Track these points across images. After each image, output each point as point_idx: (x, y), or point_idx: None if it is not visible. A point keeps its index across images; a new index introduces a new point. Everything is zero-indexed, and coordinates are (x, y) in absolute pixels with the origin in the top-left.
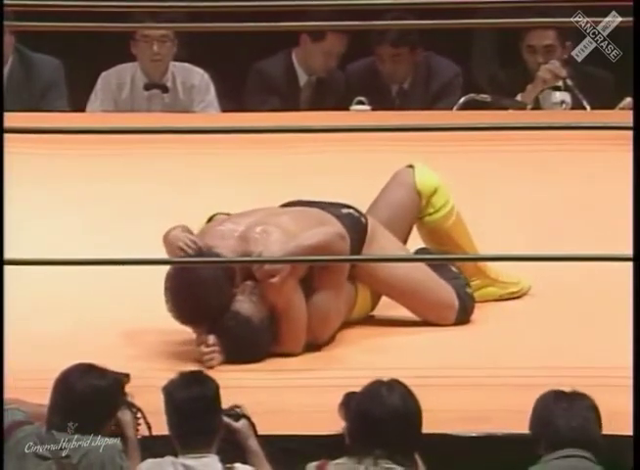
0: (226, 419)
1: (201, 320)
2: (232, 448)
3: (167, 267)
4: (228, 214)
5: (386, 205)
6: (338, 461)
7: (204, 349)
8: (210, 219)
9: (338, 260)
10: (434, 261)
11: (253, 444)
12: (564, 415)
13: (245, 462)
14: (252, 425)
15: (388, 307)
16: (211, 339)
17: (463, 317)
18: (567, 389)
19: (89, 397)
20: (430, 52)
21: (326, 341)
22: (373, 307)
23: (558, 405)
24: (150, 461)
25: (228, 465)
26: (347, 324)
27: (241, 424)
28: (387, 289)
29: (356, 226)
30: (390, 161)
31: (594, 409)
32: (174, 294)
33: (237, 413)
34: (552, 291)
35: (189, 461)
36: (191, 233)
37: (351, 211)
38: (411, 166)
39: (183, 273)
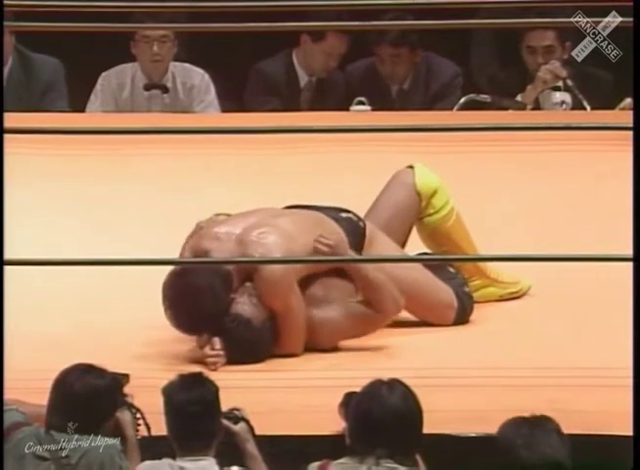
0: (225, 422)
1: (199, 330)
2: (230, 451)
3: (168, 267)
4: (228, 215)
5: (386, 205)
6: (339, 461)
7: (208, 351)
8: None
9: (338, 261)
10: (434, 262)
11: (251, 447)
12: (526, 444)
13: (242, 465)
14: (251, 428)
15: None
16: (217, 342)
17: (462, 317)
18: (527, 414)
19: (87, 397)
20: (430, 52)
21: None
22: None
23: (519, 432)
24: (147, 463)
25: (225, 468)
26: None
27: (239, 427)
28: None
29: (355, 230)
30: (390, 161)
31: (557, 432)
32: (172, 305)
33: (236, 416)
34: (552, 291)
35: (186, 464)
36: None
37: (350, 215)
38: (411, 167)
39: (180, 283)
